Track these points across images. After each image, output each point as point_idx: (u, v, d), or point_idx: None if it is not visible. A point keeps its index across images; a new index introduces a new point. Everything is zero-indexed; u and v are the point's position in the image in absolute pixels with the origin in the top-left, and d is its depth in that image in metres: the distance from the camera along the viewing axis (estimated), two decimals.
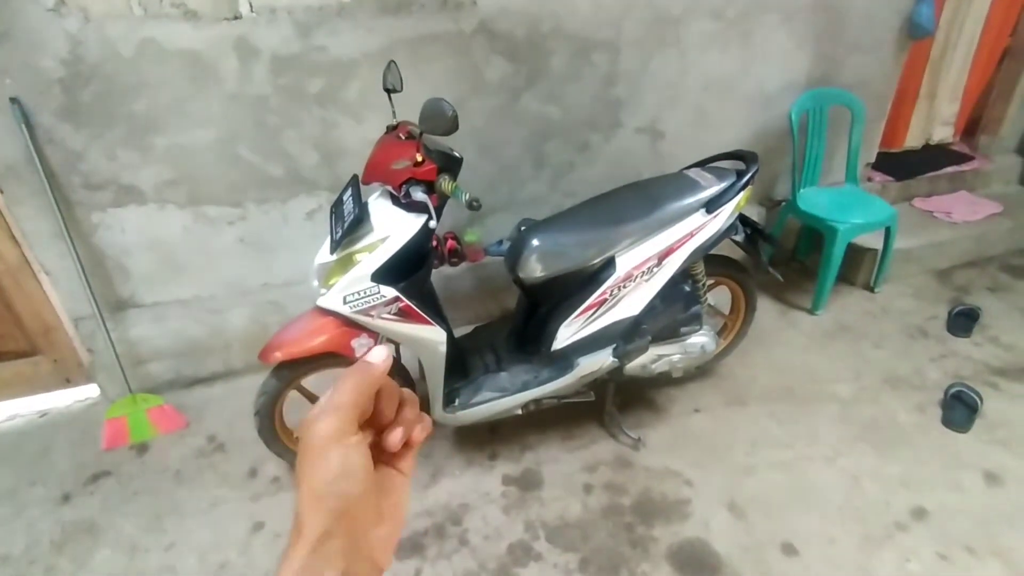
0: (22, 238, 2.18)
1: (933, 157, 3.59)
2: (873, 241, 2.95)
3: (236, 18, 2.04)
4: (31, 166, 2.01)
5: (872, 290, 3.06)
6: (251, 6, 2.04)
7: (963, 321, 2.76)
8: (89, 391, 2.52)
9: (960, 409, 2.27)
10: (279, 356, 1.75)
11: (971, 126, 3.77)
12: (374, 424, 0.44)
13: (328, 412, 0.39)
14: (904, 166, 3.47)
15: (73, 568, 1.86)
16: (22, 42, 1.89)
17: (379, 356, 0.43)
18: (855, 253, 2.98)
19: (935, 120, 3.55)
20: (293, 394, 1.95)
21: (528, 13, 2.34)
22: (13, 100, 1.94)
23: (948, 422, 2.26)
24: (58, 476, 2.17)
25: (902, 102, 3.36)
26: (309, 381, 1.94)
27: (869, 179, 3.39)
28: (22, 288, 2.27)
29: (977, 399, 2.26)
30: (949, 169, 3.52)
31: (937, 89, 3.40)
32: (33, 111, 1.98)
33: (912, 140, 3.58)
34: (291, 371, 1.85)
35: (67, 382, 2.52)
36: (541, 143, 2.64)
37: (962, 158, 3.61)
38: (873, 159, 3.37)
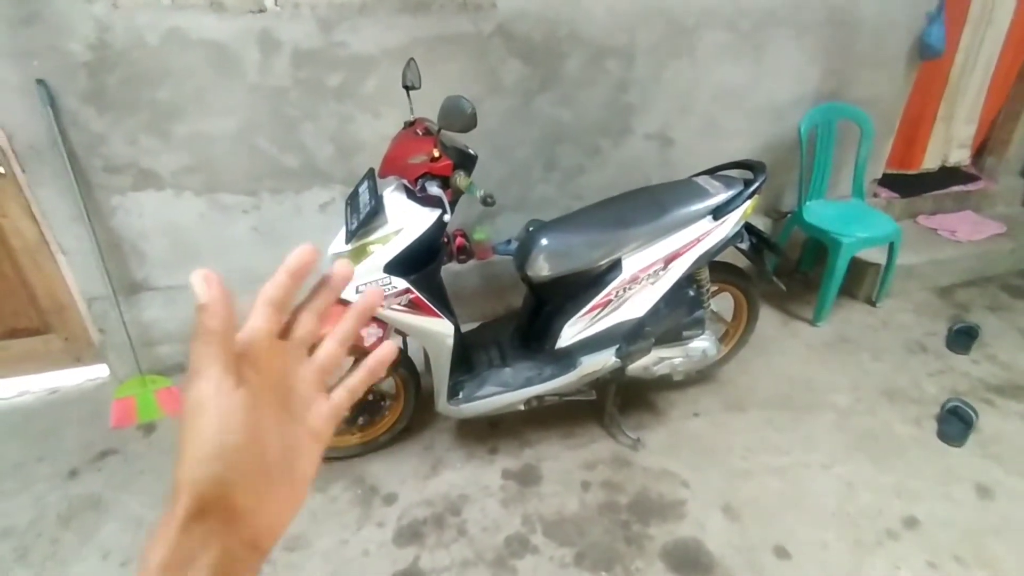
0: (41, 217, 2.22)
1: (939, 176, 3.62)
2: (876, 256, 2.98)
3: (261, 11, 2.09)
4: (54, 147, 2.06)
5: (874, 304, 3.09)
6: (276, 0, 2.08)
7: (962, 338, 2.79)
8: (99, 370, 2.56)
9: (956, 424, 2.30)
10: None
11: (979, 147, 3.79)
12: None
13: (199, 360, 0.33)
14: (910, 183, 3.50)
15: (78, 542, 1.90)
16: (51, 25, 1.94)
17: (197, 283, 0.34)
18: (858, 267, 3.01)
19: (952, 142, 3.55)
20: None
21: (545, 17, 2.38)
22: (40, 82, 1.98)
23: (943, 436, 2.29)
24: (66, 452, 2.21)
25: (919, 124, 3.37)
26: None
27: (875, 195, 3.42)
28: (39, 267, 2.32)
29: (973, 414, 2.29)
30: (955, 188, 3.55)
31: (955, 111, 3.41)
32: (58, 93, 2.03)
33: (929, 162, 3.57)
34: None
35: (77, 361, 2.56)
36: (552, 146, 2.68)
37: (968, 178, 3.65)
38: (880, 175, 3.41)
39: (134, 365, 2.38)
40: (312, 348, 0.40)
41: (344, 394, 0.40)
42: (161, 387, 2.40)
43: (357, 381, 0.41)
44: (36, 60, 1.97)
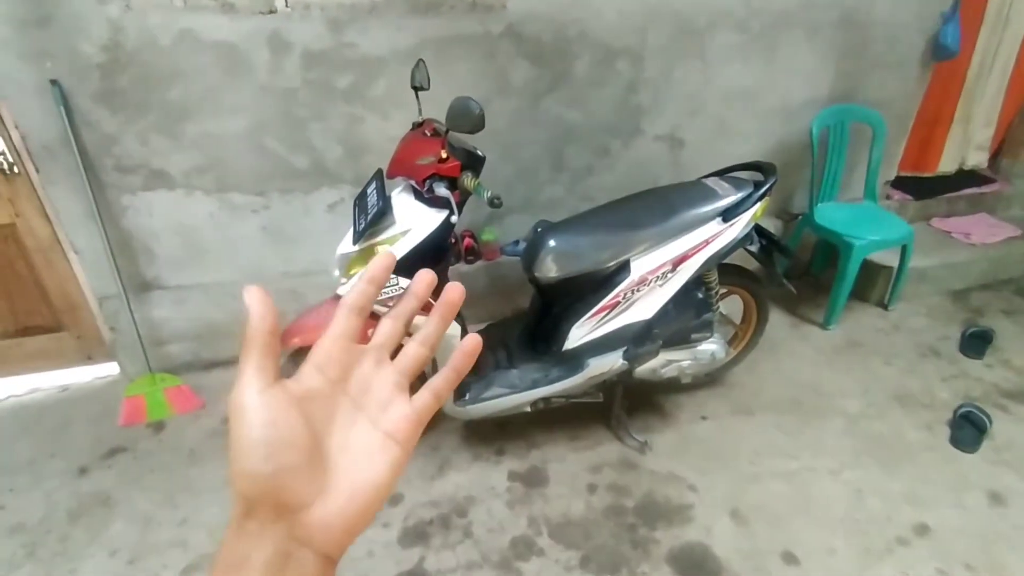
0: (54, 217, 2.25)
1: (953, 178, 3.57)
2: (889, 259, 2.95)
3: (271, 12, 2.10)
4: (67, 147, 2.08)
5: (886, 307, 3.05)
6: (286, 1, 2.09)
7: (976, 343, 2.75)
8: (109, 368, 2.59)
9: (968, 429, 2.27)
10: (297, 342, 1.80)
11: (996, 149, 3.74)
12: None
13: (240, 366, 0.33)
14: (924, 186, 3.46)
15: (88, 538, 1.92)
16: (65, 26, 1.96)
17: (249, 296, 0.34)
18: (870, 270, 2.98)
19: (969, 145, 3.51)
20: None
21: (555, 18, 2.38)
22: (53, 82, 2.00)
23: (956, 442, 2.26)
24: (76, 449, 2.23)
25: (935, 126, 3.33)
26: None
27: (888, 197, 3.39)
28: (52, 265, 2.34)
29: (986, 420, 2.26)
30: (969, 190, 3.51)
31: (972, 113, 3.36)
32: (72, 94, 2.05)
33: (946, 165, 3.52)
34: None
35: (88, 359, 2.58)
36: (561, 147, 2.67)
37: (983, 180, 3.60)
38: (893, 177, 3.37)
39: (144, 363, 2.40)
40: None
41: (428, 396, 0.39)
42: (171, 385, 2.42)
43: (442, 381, 0.40)
44: (50, 61, 1.99)
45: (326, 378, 0.36)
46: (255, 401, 0.32)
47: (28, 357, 2.51)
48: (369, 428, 0.36)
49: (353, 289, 0.38)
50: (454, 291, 0.40)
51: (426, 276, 0.40)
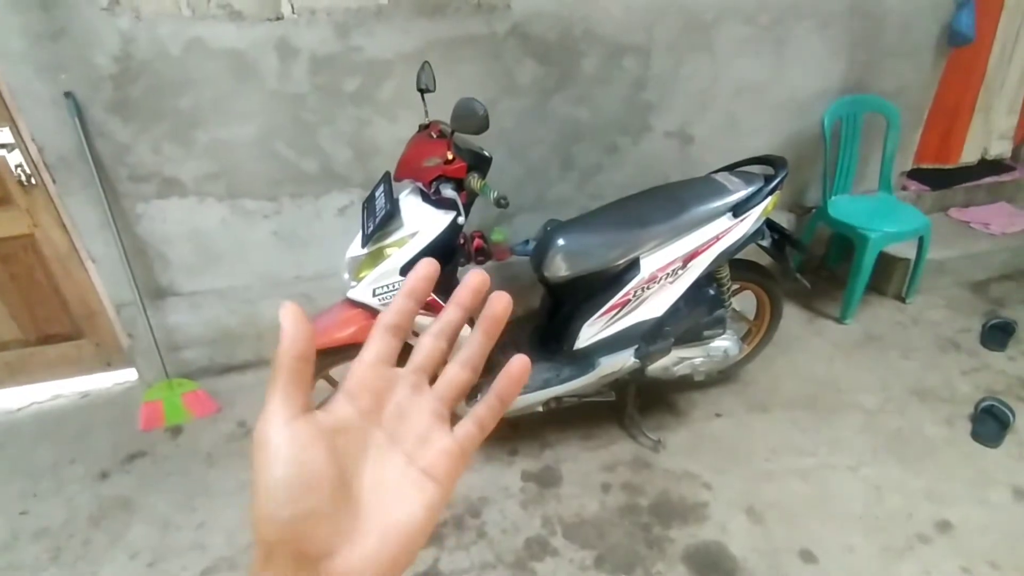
0: (71, 226, 2.29)
1: (972, 168, 3.50)
2: (906, 251, 2.90)
3: (278, 19, 2.11)
4: (82, 158, 2.11)
5: (903, 300, 3.00)
6: (292, 7, 2.11)
7: (998, 334, 2.70)
8: (128, 374, 2.63)
9: (991, 424, 2.23)
10: None
11: (1020, 138, 3.66)
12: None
13: (267, 391, 0.31)
14: (941, 176, 3.39)
15: (109, 542, 1.95)
16: (77, 39, 1.99)
17: (285, 315, 0.32)
18: (887, 262, 2.94)
19: (992, 134, 3.42)
20: (320, 383, 2.01)
21: (560, 16, 2.37)
22: (67, 94, 2.04)
23: (978, 436, 2.21)
24: (97, 454, 2.27)
25: (956, 116, 3.26)
26: (337, 371, 2.00)
27: (904, 188, 3.33)
28: (70, 274, 2.39)
29: (1009, 414, 2.22)
30: (988, 179, 3.44)
31: (993, 102, 3.29)
32: (85, 105, 2.08)
33: (968, 156, 3.43)
34: (319, 360, 1.89)
35: (108, 365, 2.63)
36: (570, 145, 2.66)
37: (1002, 168, 3.52)
38: (908, 167, 3.32)
39: (161, 369, 2.44)
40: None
41: (472, 428, 0.35)
42: (187, 390, 2.45)
43: (486, 410, 0.35)
44: (64, 73, 2.03)
45: (358, 408, 0.33)
46: (280, 435, 0.29)
47: (49, 364, 2.56)
48: (404, 464, 0.33)
49: (390, 305, 0.35)
50: (500, 302, 0.35)
51: (430, 267, 0.36)
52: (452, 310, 0.36)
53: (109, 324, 2.53)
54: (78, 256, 2.36)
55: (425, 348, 0.35)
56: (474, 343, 0.36)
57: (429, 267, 0.35)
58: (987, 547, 1.83)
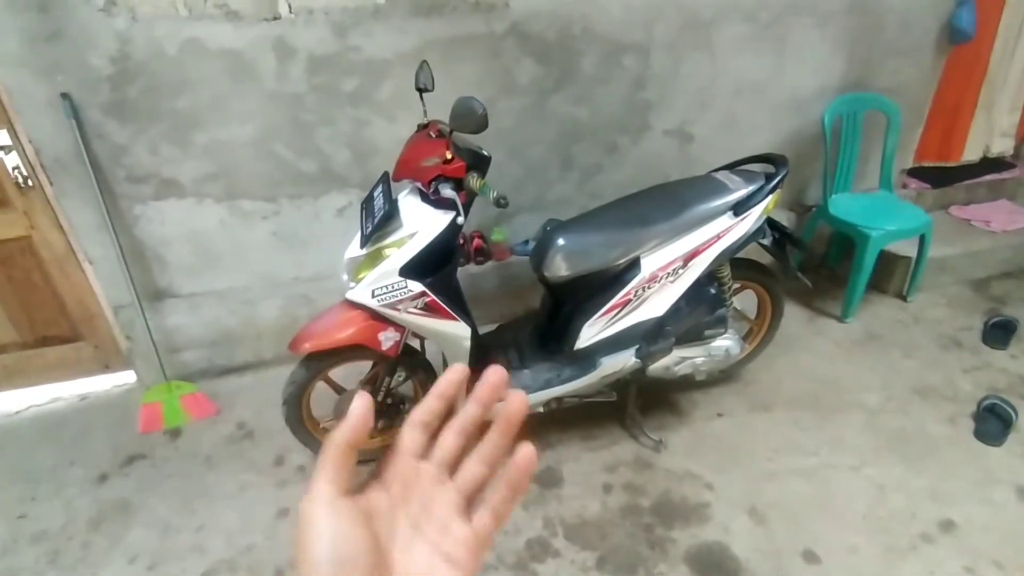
0: (68, 228, 2.28)
1: (973, 165, 3.48)
2: (907, 249, 2.89)
3: (275, 19, 2.10)
4: (79, 159, 2.10)
5: (905, 299, 2.99)
6: (290, 7, 2.10)
7: (1000, 333, 2.69)
8: (127, 377, 2.62)
9: (994, 422, 2.22)
10: (308, 347, 1.80)
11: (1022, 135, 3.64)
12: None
13: (316, 469, 0.34)
14: (942, 174, 3.38)
15: (108, 545, 1.94)
16: (74, 40, 1.99)
17: (356, 405, 0.35)
18: (888, 261, 2.93)
19: (994, 132, 3.40)
20: (320, 385, 2.00)
21: (559, 15, 2.36)
22: (64, 95, 2.03)
23: (981, 435, 2.20)
24: (96, 457, 2.26)
25: (958, 114, 3.24)
26: (336, 373, 1.99)
27: (904, 186, 3.32)
28: (68, 277, 2.38)
29: (1012, 413, 2.20)
30: (989, 177, 3.42)
31: (995, 99, 3.27)
32: (82, 106, 2.07)
33: (970, 153, 3.41)
34: (319, 362, 1.90)
35: (106, 368, 2.62)
36: (569, 145, 2.65)
37: (1004, 166, 3.51)
38: (909, 165, 3.30)
39: (160, 371, 2.43)
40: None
41: (488, 519, 0.37)
42: (186, 392, 2.44)
43: (500, 501, 0.37)
44: (60, 75, 2.02)
45: (390, 495, 0.35)
46: (324, 513, 0.32)
47: (48, 367, 2.55)
48: (429, 552, 0.35)
49: (422, 404, 0.38)
50: (518, 401, 0.37)
51: (460, 373, 0.39)
52: (472, 407, 0.38)
53: (107, 326, 2.52)
54: (76, 258, 2.35)
55: (446, 446, 0.38)
56: (492, 442, 0.38)
57: (459, 373, 0.39)
58: (991, 546, 1.81)
